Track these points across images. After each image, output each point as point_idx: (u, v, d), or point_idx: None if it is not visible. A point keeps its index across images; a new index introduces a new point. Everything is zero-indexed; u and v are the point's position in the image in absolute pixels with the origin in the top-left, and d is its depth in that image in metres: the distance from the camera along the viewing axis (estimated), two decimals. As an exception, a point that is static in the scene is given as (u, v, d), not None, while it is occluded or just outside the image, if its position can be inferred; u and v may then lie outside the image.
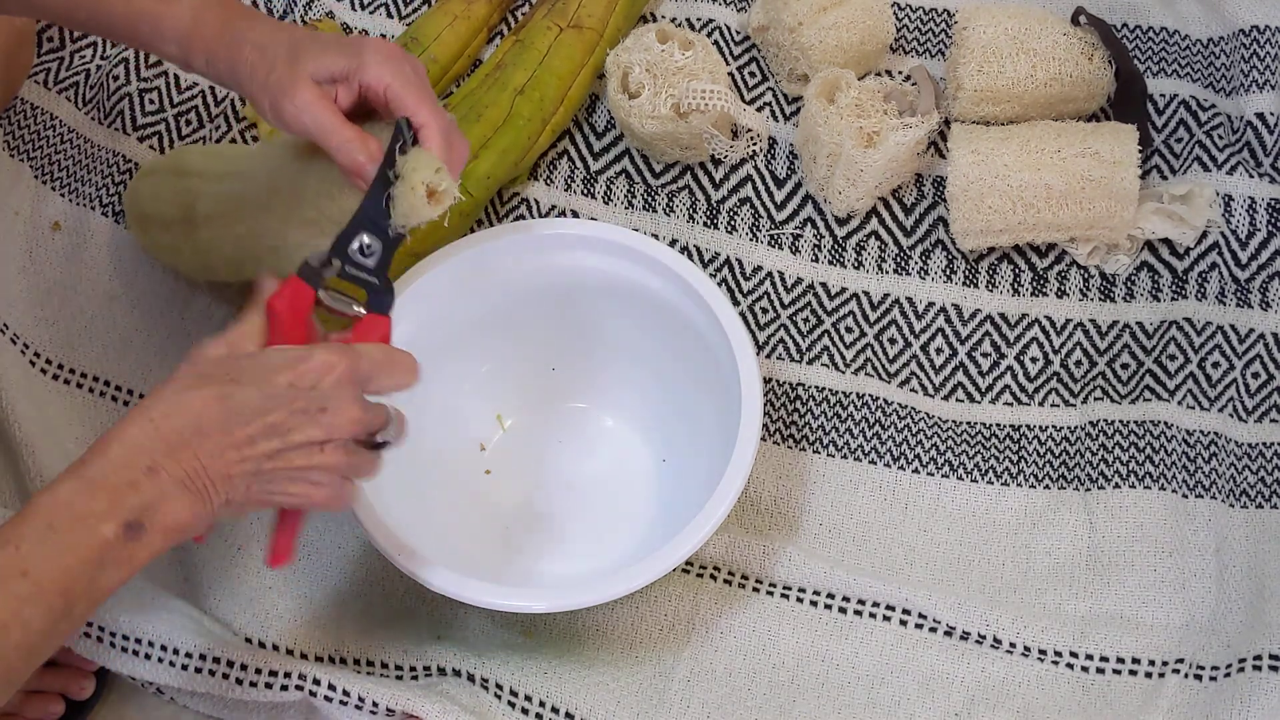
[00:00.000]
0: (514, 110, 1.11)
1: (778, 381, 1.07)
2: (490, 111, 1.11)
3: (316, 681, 0.88)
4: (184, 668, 0.89)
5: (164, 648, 0.89)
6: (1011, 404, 1.06)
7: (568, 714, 0.92)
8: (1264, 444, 1.01)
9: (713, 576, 0.99)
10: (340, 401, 0.75)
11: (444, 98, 1.19)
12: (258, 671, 0.88)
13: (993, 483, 1.03)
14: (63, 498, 0.69)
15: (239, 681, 0.88)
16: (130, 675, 0.89)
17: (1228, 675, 0.92)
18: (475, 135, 1.10)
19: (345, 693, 0.88)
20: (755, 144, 1.15)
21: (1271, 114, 1.09)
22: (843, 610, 0.98)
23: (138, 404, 0.73)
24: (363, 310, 0.85)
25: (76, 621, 0.70)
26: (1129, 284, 1.09)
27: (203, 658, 0.89)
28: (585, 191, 1.15)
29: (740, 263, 1.12)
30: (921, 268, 1.11)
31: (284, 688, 0.88)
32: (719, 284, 1.08)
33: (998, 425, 1.05)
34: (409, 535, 0.90)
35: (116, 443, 0.71)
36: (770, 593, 0.99)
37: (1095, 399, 1.05)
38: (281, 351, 0.76)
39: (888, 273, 1.11)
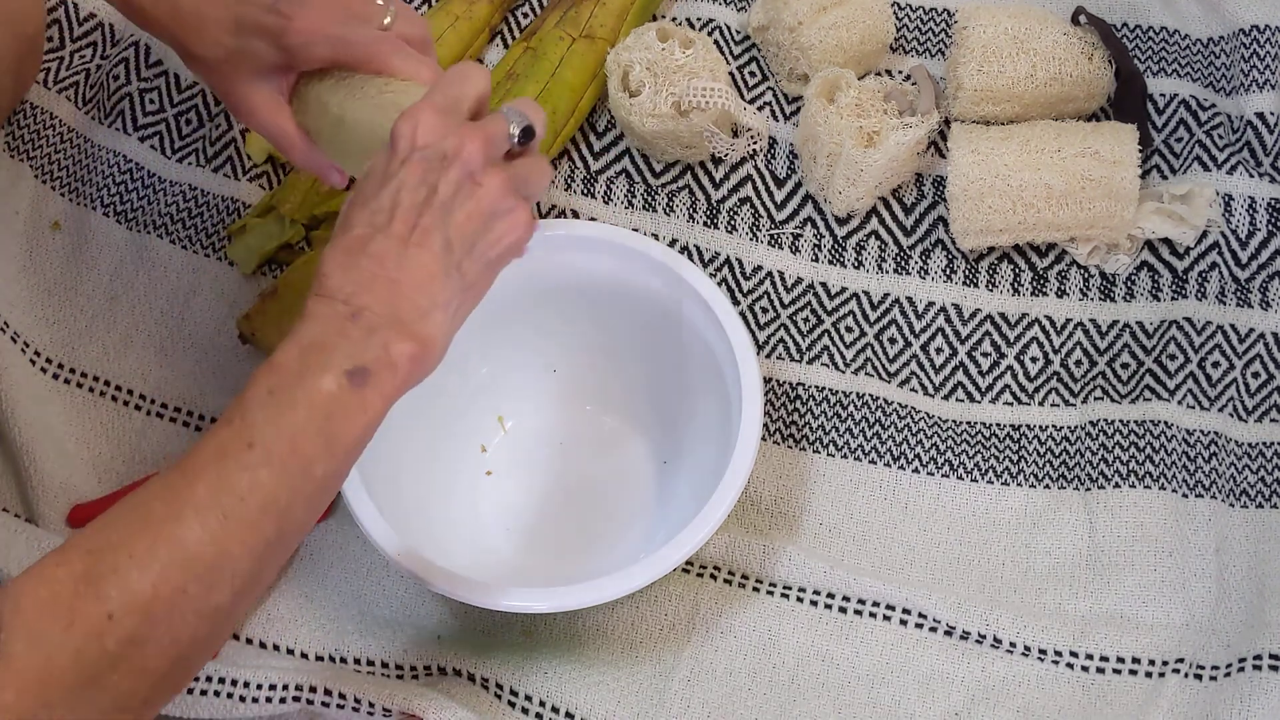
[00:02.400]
0: None
1: (778, 381, 1.07)
2: None
3: (314, 689, 0.88)
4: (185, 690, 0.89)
5: None
6: (1011, 404, 1.06)
7: (568, 714, 0.92)
8: (1264, 444, 1.01)
9: (713, 576, 0.99)
10: (452, 139, 0.74)
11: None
12: (258, 687, 0.89)
13: (993, 482, 1.03)
14: (278, 363, 0.69)
15: (242, 699, 0.88)
16: None
17: (1228, 675, 0.92)
18: None
19: (343, 695, 0.88)
20: (756, 143, 1.15)
21: (1272, 114, 1.09)
22: (843, 610, 0.98)
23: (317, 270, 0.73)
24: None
25: (323, 481, 0.70)
26: (1129, 284, 1.09)
27: (195, 679, 0.89)
28: (585, 191, 1.15)
29: (740, 262, 1.12)
30: (921, 267, 1.11)
31: (283, 700, 0.88)
32: (719, 284, 1.08)
33: (998, 425, 1.05)
34: (409, 536, 0.90)
35: (313, 304, 0.71)
36: (770, 592, 0.99)
37: (1095, 399, 1.05)
38: (376, 157, 0.76)
39: (888, 272, 1.11)
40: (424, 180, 0.73)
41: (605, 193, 1.15)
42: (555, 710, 0.92)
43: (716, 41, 1.20)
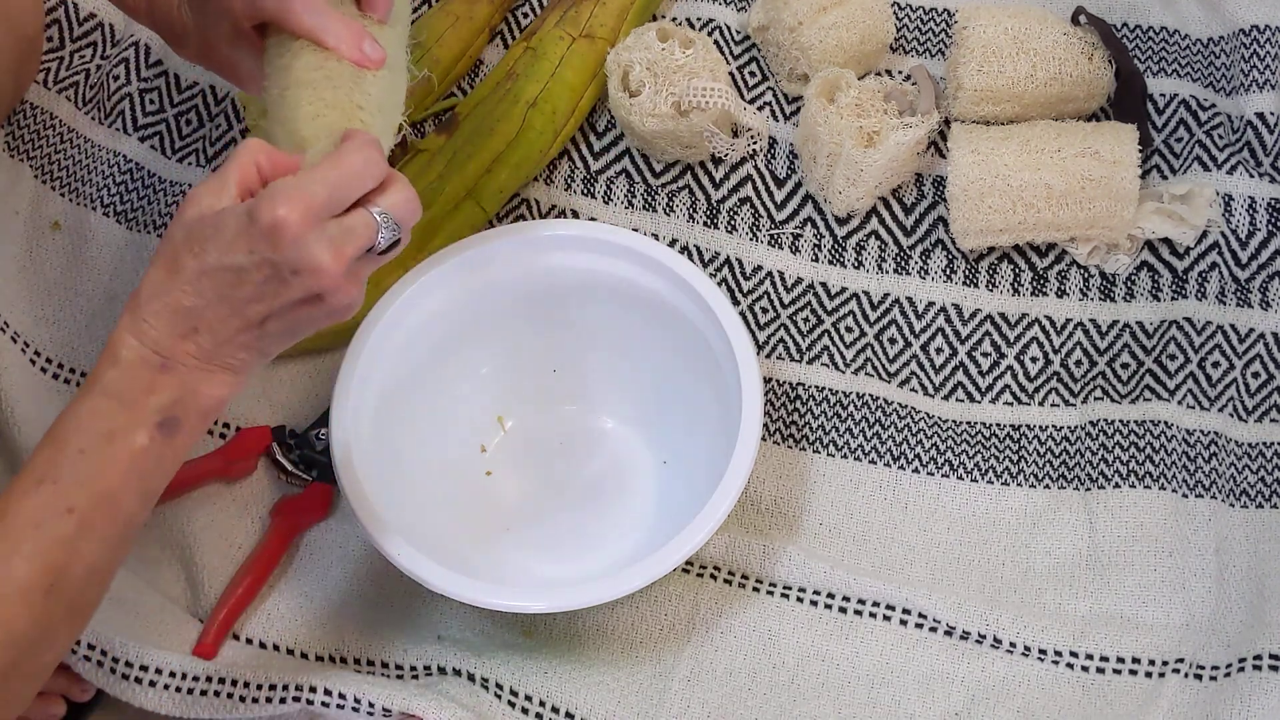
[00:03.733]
0: (526, 124, 1.11)
1: (778, 381, 1.07)
2: (502, 125, 1.11)
3: (314, 689, 0.88)
4: (178, 690, 0.89)
5: (159, 671, 0.89)
6: (1011, 404, 1.06)
7: (568, 714, 0.92)
8: (1264, 444, 1.01)
9: (713, 576, 0.99)
10: (307, 259, 0.70)
11: (446, 98, 1.20)
12: (259, 687, 0.89)
13: (993, 482, 1.03)
14: (86, 419, 0.69)
15: (242, 699, 0.88)
16: (130, 702, 0.89)
17: (1228, 675, 0.92)
18: (488, 149, 1.10)
19: (342, 695, 0.88)
20: (756, 143, 1.15)
21: (1271, 114, 1.09)
22: (843, 610, 0.98)
23: (129, 300, 0.73)
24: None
25: (137, 527, 0.71)
26: (1129, 284, 1.09)
27: (195, 679, 0.89)
28: (585, 191, 1.15)
29: (740, 262, 1.12)
30: (921, 267, 1.11)
31: (283, 700, 0.88)
32: (719, 284, 1.08)
33: (998, 425, 1.05)
34: (409, 536, 0.90)
35: (123, 348, 0.71)
36: (770, 592, 0.99)
37: (1095, 399, 1.05)
38: (235, 214, 0.71)
39: (888, 272, 1.11)
40: (267, 281, 0.71)
41: (605, 193, 1.15)
42: (555, 710, 0.92)
43: (716, 41, 1.20)
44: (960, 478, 1.03)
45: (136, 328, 0.71)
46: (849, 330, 1.09)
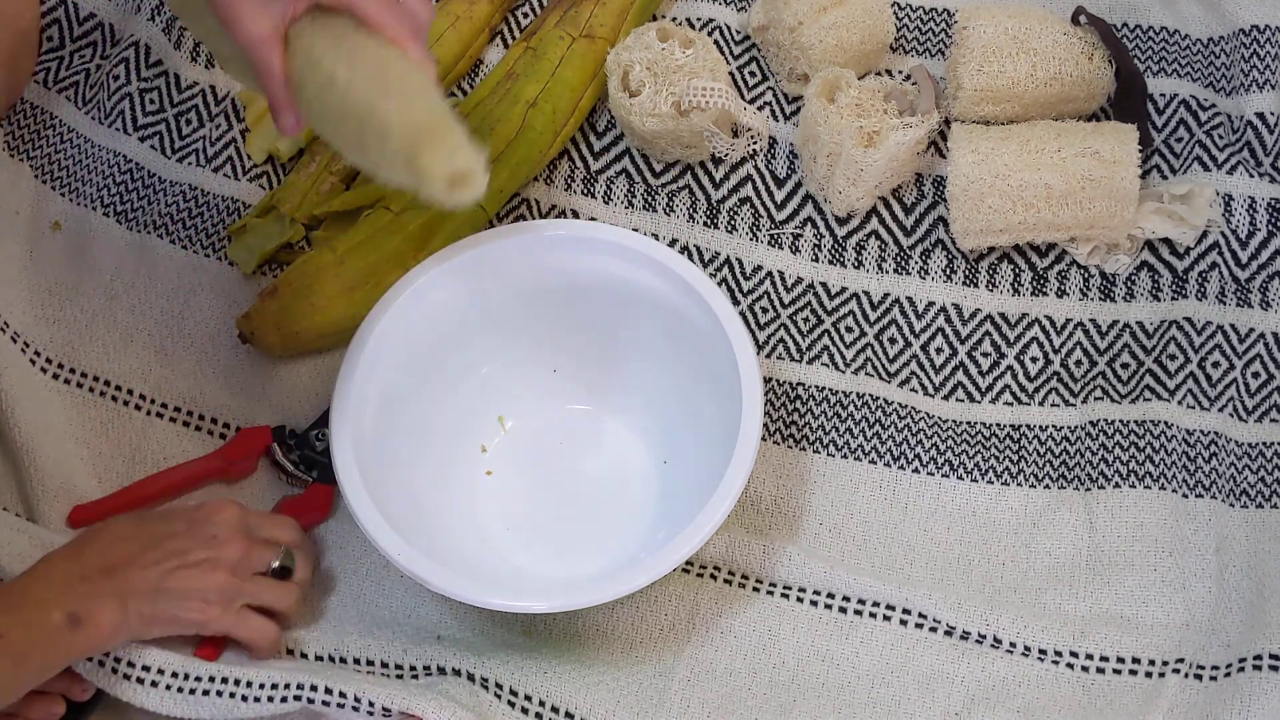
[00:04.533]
0: (526, 123, 1.11)
1: (778, 381, 1.07)
2: (502, 125, 1.11)
3: (314, 689, 0.88)
4: (178, 690, 0.89)
5: (159, 671, 0.89)
6: (1011, 404, 1.06)
7: (568, 714, 0.92)
8: (1264, 444, 1.01)
9: (713, 576, 0.99)
10: (227, 535, 0.91)
11: (446, 97, 1.19)
12: (259, 687, 0.89)
13: (993, 482, 1.03)
14: (15, 586, 0.84)
15: (243, 699, 0.88)
16: (129, 702, 0.89)
17: (1228, 675, 0.92)
18: (488, 149, 1.09)
19: (342, 695, 0.88)
20: (756, 143, 1.15)
21: (1272, 114, 1.09)
22: (843, 610, 0.98)
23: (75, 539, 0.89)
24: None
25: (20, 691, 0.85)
26: (1129, 284, 1.09)
27: (196, 679, 0.89)
28: (585, 191, 1.15)
29: (740, 262, 1.12)
30: (921, 267, 1.11)
31: (283, 700, 0.88)
32: (719, 284, 1.08)
33: (998, 425, 1.05)
34: (410, 536, 0.90)
35: (60, 559, 0.87)
36: (770, 592, 0.99)
37: (1095, 399, 1.05)
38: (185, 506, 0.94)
39: (888, 272, 1.11)
40: (190, 536, 0.91)
41: (605, 193, 1.15)
42: (555, 710, 0.92)
43: (716, 41, 1.20)
44: (960, 478, 1.03)
45: (77, 550, 0.88)
46: (849, 330, 1.09)
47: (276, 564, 0.94)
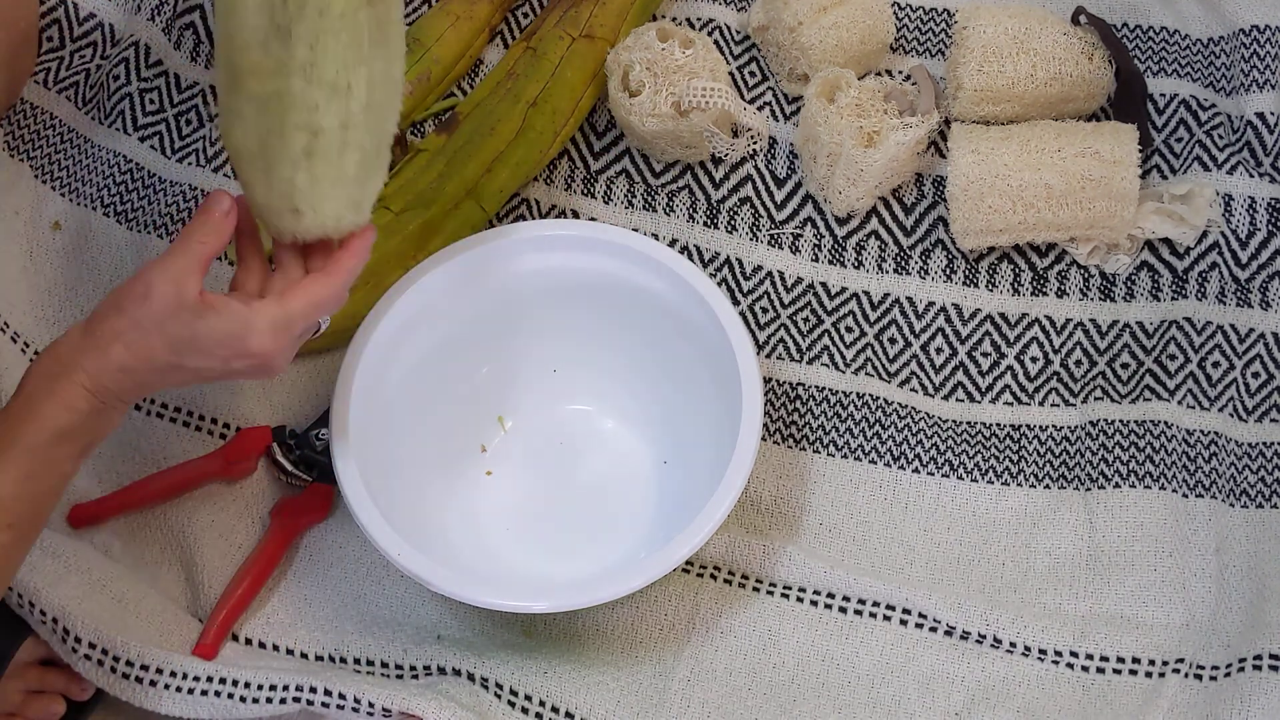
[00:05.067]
0: (526, 123, 1.11)
1: (778, 381, 1.07)
2: (503, 125, 1.11)
3: (314, 689, 0.88)
4: (178, 689, 0.89)
5: (159, 670, 0.89)
6: (1011, 404, 1.06)
7: (568, 714, 0.92)
8: (1264, 444, 1.01)
9: (713, 576, 0.99)
10: (266, 365, 0.82)
11: (446, 98, 1.20)
12: (259, 687, 0.89)
13: (993, 482, 1.03)
14: (40, 449, 0.79)
15: (242, 699, 0.88)
16: (129, 701, 0.89)
17: (1228, 675, 0.92)
18: (488, 149, 1.10)
19: (342, 695, 0.88)
20: (756, 143, 1.15)
21: (1271, 114, 1.09)
22: (843, 610, 0.98)
23: (97, 350, 0.80)
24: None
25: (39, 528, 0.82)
26: (1129, 284, 1.09)
27: (196, 679, 0.89)
28: (585, 191, 1.15)
29: (740, 262, 1.12)
30: (921, 267, 1.11)
31: (283, 700, 0.88)
32: (719, 284, 1.08)
33: (998, 425, 1.05)
34: (410, 536, 0.90)
35: (83, 398, 0.80)
36: (770, 592, 0.99)
37: (1095, 399, 1.05)
38: (218, 332, 0.80)
39: (888, 272, 1.11)
40: (224, 374, 0.82)
41: (605, 193, 1.15)
42: (555, 710, 0.92)
43: (716, 41, 1.20)
44: (960, 478, 1.03)
45: (98, 389, 0.80)
46: (849, 330, 1.09)
47: (314, 334, 0.88)
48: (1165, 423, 1.03)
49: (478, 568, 0.96)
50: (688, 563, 0.99)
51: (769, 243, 1.12)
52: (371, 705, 0.87)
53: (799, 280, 1.11)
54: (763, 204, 1.14)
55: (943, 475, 1.03)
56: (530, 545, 1.01)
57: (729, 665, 0.96)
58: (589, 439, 1.05)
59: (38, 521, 0.81)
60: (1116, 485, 1.02)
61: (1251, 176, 1.08)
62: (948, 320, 1.09)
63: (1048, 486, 1.03)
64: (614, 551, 1.00)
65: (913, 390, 1.07)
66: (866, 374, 1.07)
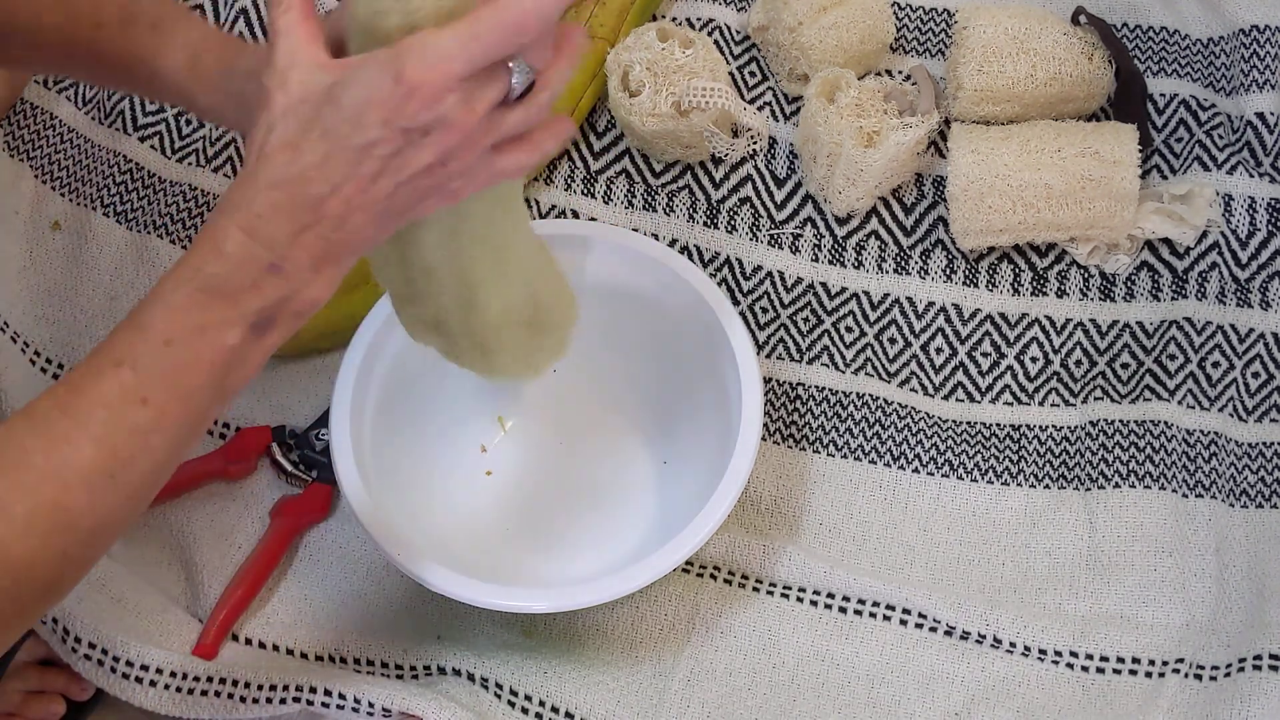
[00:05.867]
0: None
1: (778, 381, 1.07)
2: None
3: (314, 690, 0.88)
4: (178, 690, 0.89)
5: (159, 671, 0.89)
6: (1011, 404, 1.06)
7: (568, 714, 0.92)
8: (1264, 444, 1.01)
9: (713, 576, 0.99)
10: (445, 112, 0.64)
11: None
12: (259, 687, 0.89)
13: (993, 483, 1.03)
14: (178, 309, 0.64)
15: (242, 699, 0.88)
16: (130, 702, 0.89)
17: (1228, 675, 0.92)
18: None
19: (342, 695, 0.88)
20: (756, 143, 1.15)
21: (1272, 114, 1.09)
22: (843, 610, 0.98)
23: (245, 178, 0.65)
24: None
25: (207, 424, 0.67)
26: (1129, 284, 1.09)
27: (196, 679, 0.89)
28: (585, 191, 1.15)
29: (740, 262, 1.12)
30: (921, 267, 1.11)
31: (283, 700, 0.88)
32: (719, 284, 1.08)
33: (998, 425, 1.05)
34: (410, 536, 0.90)
35: (229, 241, 0.64)
36: (770, 592, 0.99)
37: (1095, 399, 1.05)
38: (367, 82, 0.63)
39: (888, 272, 1.11)
40: (398, 151, 0.65)
41: (605, 193, 1.15)
42: (555, 710, 0.92)
43: (716, 41, 1.20)
44: (960, 478, 1.03)
45: (248, 222, 0.64)
46: (849, 330, 1.09)
47: (519, 89, 0.67)
48: (1165, 423, 1.03)
49: (478, 568, 0.96)
50: (688, 563, 0.99)
51: (769, 243, 1.12)
52: (371, 705, 0.87)
53: (799, 280, 1.11)
54: (763, 204, 1.14)
55: (943, 475, 1.03)
56: (530, 545, 1.01)
57: (729, 665, 0.96)
58: (589, 439, 1.05)
59: (189, 408, 0.65)
60: (1116, 485, 1.02)
61: (1251, 176, 1.08)
62: (948, 320, 1.09)
63: (1047, 487, 1.03)
64: (614, 551, 1.00)
65: (913, 390, 1.07)
66: (866, 374, 1.07)
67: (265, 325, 0.66)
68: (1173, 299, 1.08)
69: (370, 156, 0.64)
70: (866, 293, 1.10)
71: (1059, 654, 0.95)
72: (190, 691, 0.89)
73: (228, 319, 0.65)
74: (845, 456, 1.04)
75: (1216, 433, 1.02)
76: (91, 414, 0.63)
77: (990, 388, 1.07)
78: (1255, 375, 1.04)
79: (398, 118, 0.63)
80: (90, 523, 0.64)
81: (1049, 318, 1.09)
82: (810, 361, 1.08)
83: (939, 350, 1.08)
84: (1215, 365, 1.04)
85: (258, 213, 0.64)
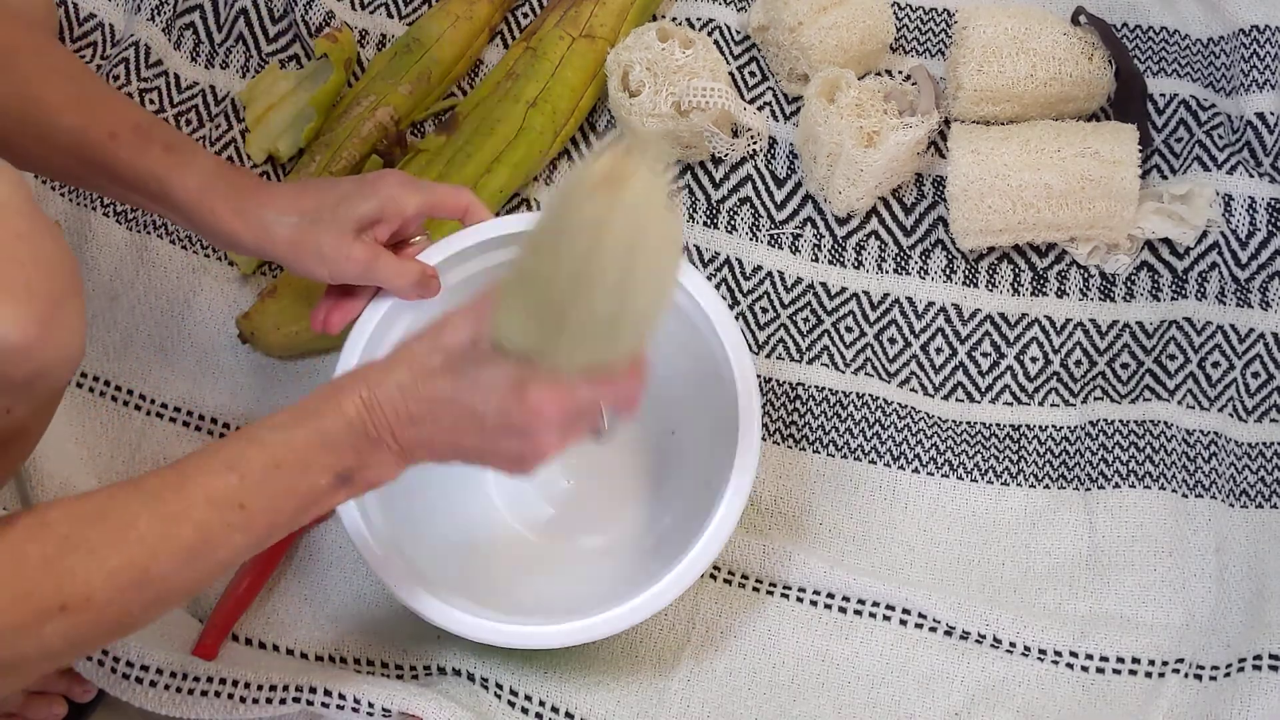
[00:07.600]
0: (526, 123, 1.11)
1: (778, 381, 1.07)
2: (502, 126, 1.11)
3: (314, 690, 0.88)
4: (178, 690, 0.89)
5: (159, 671, 0.89)
6: (1011, 404, 1.06)
7: (568, 714, 0.92)
8: (1264, 444, 1.01)
9: (712, 576, 0.99)
10: (543, 434, 0.77)
11: (446, 98, 1.20)
12: (259, 688, 0.89)
13: (993, 483, 1.03)
14: (297, 444, 0.75)
15: (242, 700, 0.88)
16: (130, 702, 0.89)
17: (1228, 675, 0.92)
18: (488, 149, 1.10)
19: (342, 696, 0.88)
20: (756, 143, 1.15)
21: (1271, 114, 1.09)
22: (843, 610, 0.98)
23: (382, 367, 0.77)
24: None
25: (269, 545, 0.77)
26: (1129, 284, 1.09)
27: (196, 679, 0.89)
28: (585, 191, 1.15)
29: (740, 262, 1.12)
30: (921, 267, 1.11)
31: (283, 701, 0.88)
32: (719, 284, 1.08)
33: (998, 425, 1.05)
34: (407, 547, 0.90)
35: (351, 408, 0.76)
36: (770, 592, 0.99)
37: (1095, 399, 1.05)
38: (504, 375, 0.75)
39: (888, 272, 1.11)
40: (497, 433, 0.77)
41: (605, 193, 1.14)
42: (555, 710, 0.92)
43: (716, 41, 1.20)
44: (960, 478, 1.03)
45: (371, 402, 0.76)
46: (849, 330, 1.09)
47: (600, 435, 0.81)
48: (1165, 423, 1.03)
49: (478, 581, 0.95)
50: (688, 563, 0.98)
51: (769, 243, 1.12)
52: (371, 705, 0.87)
53: (799, 280, 1.11)
54: (763, 204, 1.14)
55: (942, 475, 1.04)
56: (531, 553, 1.01)
57: (729, 665, 0.96)
58: (589, 446, 1.04)
59: (272, 523, 0.75)
60: (1116, 485, 1.02)
61: (1251, 176, 1.08)
62: (947, 320, 1.09)
63: (1047, 487, 1.03)
64: (616, 559, 0.99)
65: (912, 390, 1.07)
66: (866, 374, 1.07)
67: (346, 481, 0.77)
68: (1173, 299, 1.08)
69: (472, 421, 0.77)
70: (866, 293, 1.10)
71: (1059, 654, 0.95)
72: (190, 692, 0.89)
73: (327, 465, 0.76)
74: (845, 456, 1.04)
75: (1216, 433, 1.02)
76: (194, 500, 0.72)
77: (990, 388, 1.07)
78: (1255, 375, 1.04)
79: (507, 416, 0.76)
80: (163, 590, 0.72)
81: (1049, 318, 1.09)
82: (810, 361, 1.08)
83: (939, 350, 1.09)
84: (1215, 365, 1.04)
85: (379, 401, 0.76)
